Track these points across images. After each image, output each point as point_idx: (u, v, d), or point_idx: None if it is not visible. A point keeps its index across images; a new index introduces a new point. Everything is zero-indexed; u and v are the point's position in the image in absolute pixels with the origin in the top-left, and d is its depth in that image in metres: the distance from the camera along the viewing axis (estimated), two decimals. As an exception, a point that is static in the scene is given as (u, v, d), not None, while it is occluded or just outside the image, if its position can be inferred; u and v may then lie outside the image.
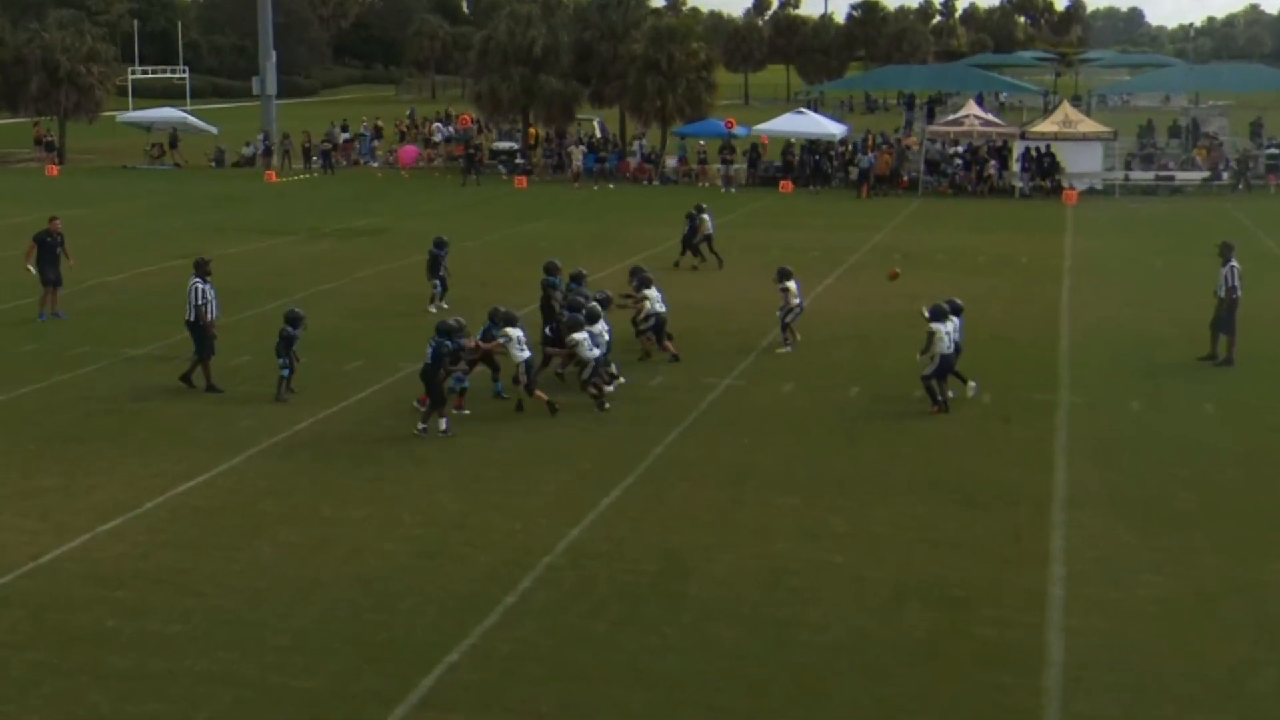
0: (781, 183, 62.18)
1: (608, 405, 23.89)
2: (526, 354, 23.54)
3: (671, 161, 67.45)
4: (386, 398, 24.80)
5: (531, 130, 73.74)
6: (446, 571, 16.53)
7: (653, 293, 27.23)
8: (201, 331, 25.22)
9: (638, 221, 50.32)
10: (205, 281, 25.43)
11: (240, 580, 16.24)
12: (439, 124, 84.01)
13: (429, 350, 22.46)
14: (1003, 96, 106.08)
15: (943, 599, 15.75)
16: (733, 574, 16.49)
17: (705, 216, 39.67)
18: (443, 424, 22.46)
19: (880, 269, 39.18)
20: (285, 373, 24.62)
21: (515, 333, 23.44)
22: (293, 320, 24.68)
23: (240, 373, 26.52)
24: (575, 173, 65.11)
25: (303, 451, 21.56)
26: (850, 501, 19.14)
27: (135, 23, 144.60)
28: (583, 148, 67.48)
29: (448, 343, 22.44)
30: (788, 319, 28.60)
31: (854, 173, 62.41)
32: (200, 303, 25.25)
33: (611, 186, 63.35)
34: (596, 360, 23.86)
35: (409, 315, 31.66)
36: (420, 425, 22.51)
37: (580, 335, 23.80)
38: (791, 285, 28.48)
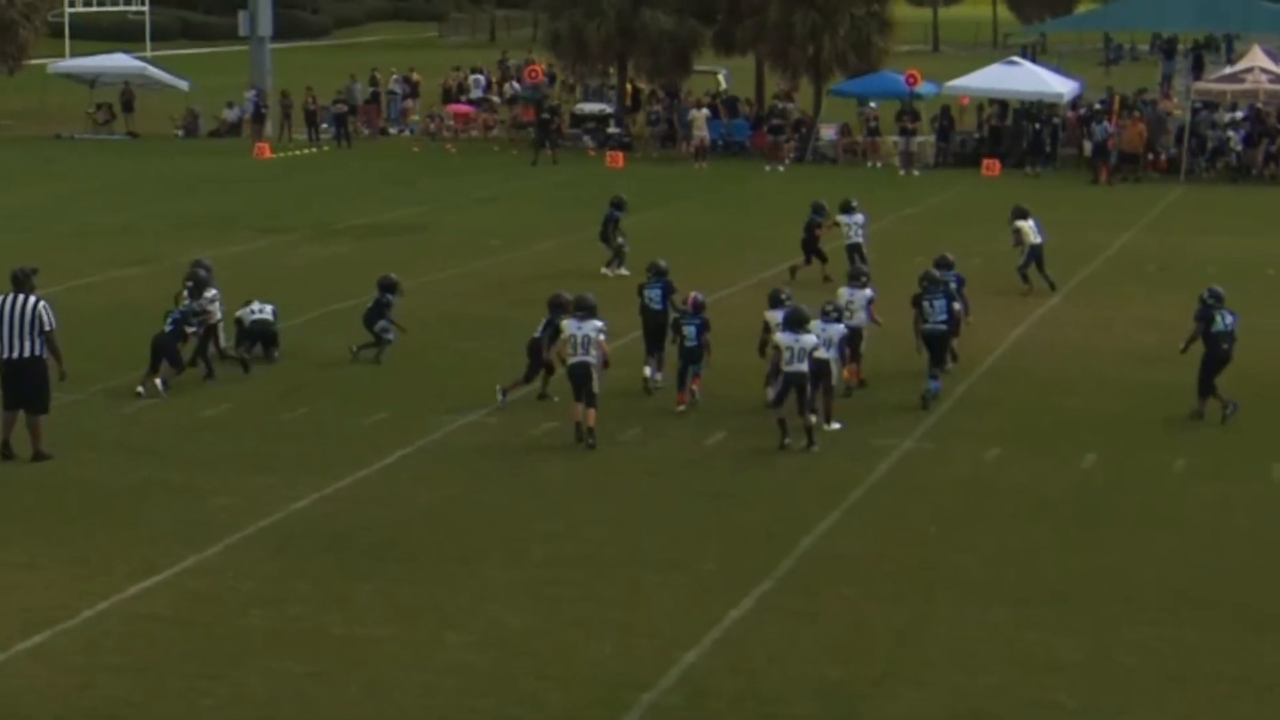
0: (985, 161, 61.98)
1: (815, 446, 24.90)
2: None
3: (829, 133, 67.35)
4: (421, 465, 24.93)
5: (630, 87, 73.88)
6: (508, 714, 16.53)
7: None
8: (44, 371, 24.94)
9: (775, 215, 50.26)
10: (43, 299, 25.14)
11: (215, 722, 16.33)
12: (477, 75, 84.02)
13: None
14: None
15: (1220, 762, 15.59)
16: (915, 721, 16.42)
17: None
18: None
19: (1130, 281, 38.91)
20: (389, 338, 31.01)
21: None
22: (388, 287, 31.07)
23: (214, 427, 26.72)
24: (698, 147, 65.06)
25: (303, 541, 21.65)
26: (1083, 619, 19.01)
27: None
28: (705, 111, 67.41)
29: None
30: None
31: (1088, 148, 62.14)
32: (50, 328, 24.84)
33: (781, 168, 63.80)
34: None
35: (457, 348, 31.92)
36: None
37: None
38: None
